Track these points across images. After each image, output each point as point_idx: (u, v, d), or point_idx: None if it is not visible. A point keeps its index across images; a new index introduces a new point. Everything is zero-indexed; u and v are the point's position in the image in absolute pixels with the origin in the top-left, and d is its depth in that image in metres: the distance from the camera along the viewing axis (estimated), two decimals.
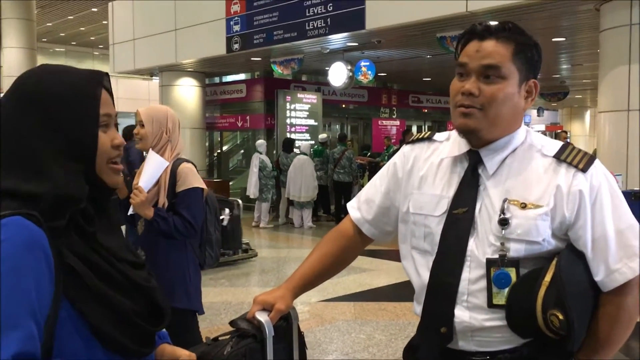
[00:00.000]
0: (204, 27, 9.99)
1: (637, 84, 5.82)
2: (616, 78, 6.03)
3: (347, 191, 10.64)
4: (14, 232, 0.91)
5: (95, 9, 18.90)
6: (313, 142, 12.09)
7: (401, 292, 6.03)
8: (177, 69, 11.59)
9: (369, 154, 12.76)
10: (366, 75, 9.60)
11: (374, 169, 11.49)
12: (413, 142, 1.54)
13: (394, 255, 7.31)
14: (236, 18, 9.44)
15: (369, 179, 12.36)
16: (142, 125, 2.77)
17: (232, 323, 1.45)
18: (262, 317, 1.42)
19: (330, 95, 13.66)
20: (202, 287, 2.93)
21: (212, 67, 11.59)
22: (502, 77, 1.31)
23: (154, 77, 13.11)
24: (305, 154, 10.34)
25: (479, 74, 1.32)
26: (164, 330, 1.27)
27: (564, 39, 8.85)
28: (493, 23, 1.36)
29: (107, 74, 1.12)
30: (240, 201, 7.98)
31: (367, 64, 9.60)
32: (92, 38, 23.98)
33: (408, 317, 5.07)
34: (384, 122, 15.52)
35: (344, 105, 14.78)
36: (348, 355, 4.23)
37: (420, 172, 1.47)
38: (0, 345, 0.84)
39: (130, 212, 2.77)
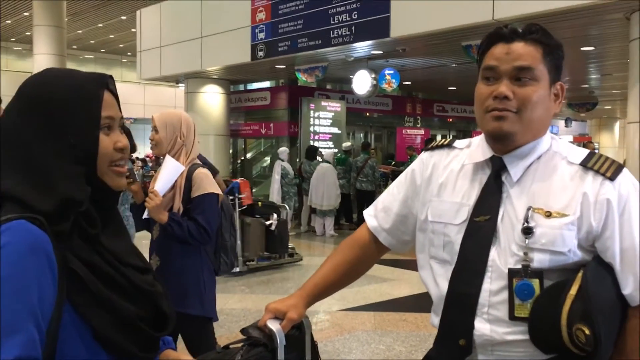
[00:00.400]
0: (229, 34, 10.07)
1: None
2: None
3: (370, 200, 10.52)
4: (17, 236, 0.90)
5: (124, 17, 19.25)
6: (336, 150, 12.07)
7: (422, 302, 5.93)
8: (202, 76, 11.69)
9: (393, 162, 12.67)
10: (390, 83, 9.55)
11: (397, 178, 11.38)
12: (432, 149, 1.50)
13: (415, 266, 7.14)
14: (261, 26, 9.49)
15: None
16: (157, 131, 2.76)
17: (243, 331, 1.42)
18: (274, 325, 1.38)
19: (355, 103, 13.63)
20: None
21: (236, 74, 11.66)
22: (534, 79, 1.27)
23: (179, 84, 13.24)
24: (328, 162, 10.32)
25: (510, 77, 1.28)
26: (169, 336, 1.25)
27: (592, 48, 8.69)
28: (518, 24, 1.31)
29: (111, 76, 1.11)
30: (287, 207, 8.09)
31: (392, 72, 9.55)
32: (120, 45, 24.42)
33: (429, 328, 4.98)
34: (408, 131, 15.41)
35: (368, 114, 14.73)
36: None
37: (439, 179, 1.42)
38: (1, 349, 0.84)
39: (145, 216, 2.76)
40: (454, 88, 14.43)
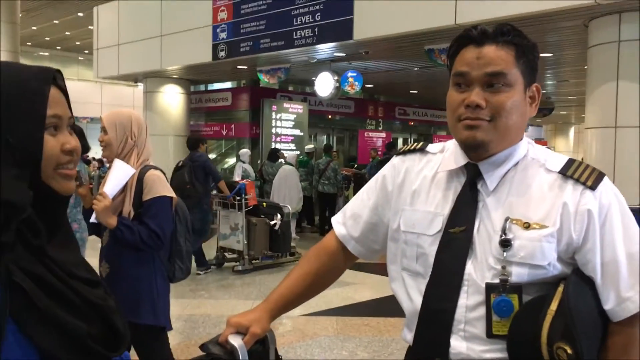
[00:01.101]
0: (190, 33, 9.87)
1: (625, 100, 5.80)
2: (604, 94, 6.00)
3: (332, 203, 10.55)
4: None
5: (81, 14, 18.76)
6: (298, 152, 11.98)
7: (385, 307, 5.91)
8: (162, 76, 11.44)
9: (355, 165, 12.67)
10: (353, 86, 9.52)
11: (359, 181, 11.41)
12: (404, 153, 1.42)
13: (378, 269, 7.20)
14: (223, 25, 9.33)
15: (354, 191, 12.25)
16: (106, 132, 2.61)
17: (202, 347, 1.32)
18: (236, 341, 1.29)
19: (317, 105, 13.59)
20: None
21: (197, 74, 11.47)
22: (508, 85, 1.20)
23: (138, 84, 12.95)
24: (290, 164, 10.24)
25: (482, 83, 1.20)
26: (126, 352, 1.14)
27: (550, 54, 8.85)
28: (488, 26, 1.24)
29: (59, 71, 0.99)
30: (289, 207, 8.33)
31: (355, 74, 9.53)
32: (77, 43, 23.80)
33: (392, 333, 4.95)
34: (370, 133, 15.47)
35: (330, 116, 14.71)
36: None
37: (412, 186, 1.34)
38: None
39: (93, 220, 2.60)
40: (416, 91, 14.55)
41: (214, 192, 7.76)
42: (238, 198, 7.36)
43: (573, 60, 9.19)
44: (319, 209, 11.05)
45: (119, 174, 2.54)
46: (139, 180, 2.59)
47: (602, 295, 1.17)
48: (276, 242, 7.67)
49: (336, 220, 1.50)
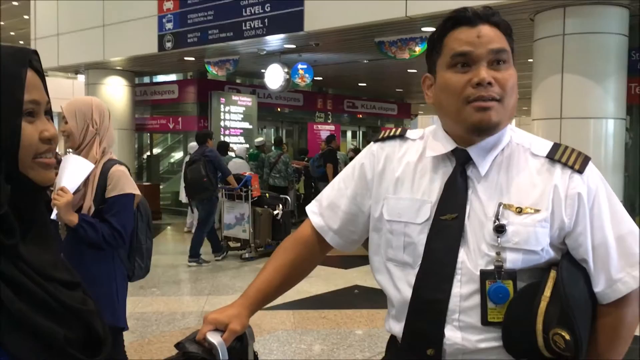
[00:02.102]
0: (134, 23, 9.57)
1: (569, 92, 5.98)
2: (549, 86, 6.18)
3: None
4: None
5: (16, 3, 17.90)
6: (248, 145, 11.83)
7: (341, 299, 5.91)
8: (104, 67, 11.07)
9: (306, 158, 12.63)
10: (304, 78, 9.47)
11: (310, 173, 11.37)
12: (383, 139, 1.37)
13: (331, 261, 7.20)
14: (169, 15, 9.09)
15: (305, 184, 12.13)
16: (66, 122, 2.49)
17: (178, 346, 1.25)
18: (215, 338, 1.23)
19: (266, 98, 13.46)
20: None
21: (142, 66, 11.14)
22: (508, 62, 1.19)
23: (79, 75, 12.47)
24: (241, 157, 10.09)
25: (487, 61, 1.17)
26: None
27: None
28: (477, 7, 1.22)
29: (35, 51, 0.90)
30: (289, 198, 9.06)
31: (305, 67, 9.48)
32: (11, 33, 22.74)
33: (349, 325, 4.95)
34: (319, 126, 15.47)
35: (279, 109, 14.61)
36: None
37: (394, 173, 1.30)
38: None
39: (53, 216, 2.46)
40: (364, 84, 14.62)
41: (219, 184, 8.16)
42: (245, 189, 7.87)
43: (519, 54, 9.37)
44: None
45: (77, 169, 2.40)
46: (103, 175, 2.47)
47: (593, 278, 1.17)
48: (278, 231, 8.10)
49: (311, 210, 1.44)
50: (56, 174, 2.48)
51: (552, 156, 1.20)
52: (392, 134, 1.37)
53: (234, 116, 12.43)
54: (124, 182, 2.49)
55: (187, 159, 8.44)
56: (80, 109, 2.50)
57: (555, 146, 1.22)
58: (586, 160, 1.19)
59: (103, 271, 2.52)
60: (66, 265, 0.94)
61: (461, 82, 1.18)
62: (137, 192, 2.55)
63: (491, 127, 1.18)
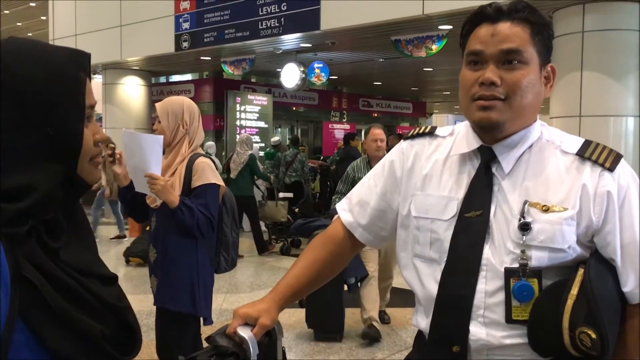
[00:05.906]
0: (152, 23, 9.64)
1: (588, 90, 5.93)
2: (569, 84, 6.12)
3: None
4: None
5: (33, 4, 18.09)
6: (263, 144, 11.87)
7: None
8: (121, 67, 11.16)
9: (321, 157, 12.64)
10: (319, 77, 9.48)
11: (325, 172, 11.38)
12: (412, 137, 1.37)
13: None
14: (185, 15, 9.14)
15: (320, 183, 12.11)
16: (159, 121, 2.58)
17: (209, 339, 1.26)
18: (245, 333, 1.23)
19: (281, 97, 13.50)
20: None
21: (159, 65, 11.22)
22: (523, 63, 1.17)
23: (96, 75, 12.59)
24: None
25: (498, 61, 1.17)
26: None
27: None
28: (503, 3, 1.21)
29: (89, 54, 0.91)
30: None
31: (321, 65, 9.49)
32: (29, 34, 23.00)
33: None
34: (334, 125, 15.48)
35: (294, 108, 14.65)
36: None
37: (423, 170, 1.31)
38: None
39: (151, 203, 2.54)
40: (379, 83, 14.60)
41: None
42: None
43: None
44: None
45: (148, 150, 2.42)
46: (189, 167, 2.55)
47: (621, 277, 1.16)
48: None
49: (342, 208, 1.45)
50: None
51: (583, 154, 1.19)
52: (421, 131, 1.38)
53: (249, 115, 12.49)
54: (209, 173, 2.57)
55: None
56: (172, 110, 2.58)
57: (586, 143, 1.21)
58: (617, 157, 1.18)
59: (185, 260, 2.58)
60: (102, 262, 0.96)
61: (471, 80, 1.20)
62: (221, 183, 2.61)
63: (492, 125, 1.19)
